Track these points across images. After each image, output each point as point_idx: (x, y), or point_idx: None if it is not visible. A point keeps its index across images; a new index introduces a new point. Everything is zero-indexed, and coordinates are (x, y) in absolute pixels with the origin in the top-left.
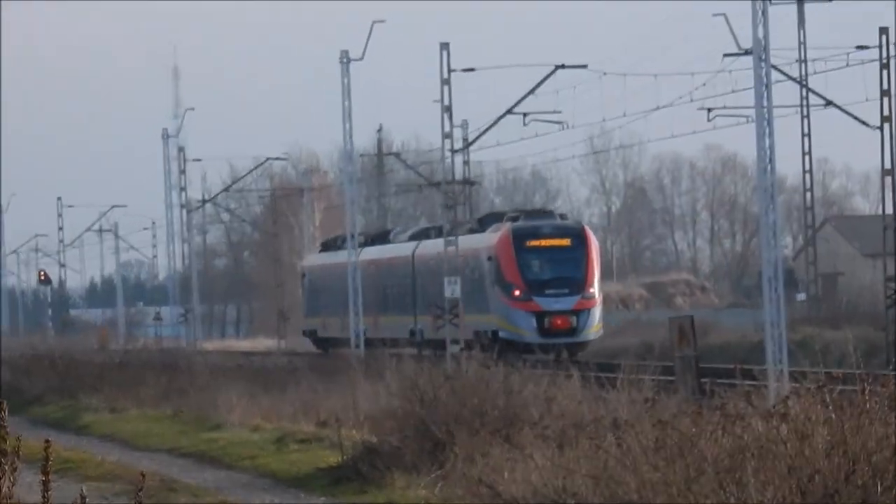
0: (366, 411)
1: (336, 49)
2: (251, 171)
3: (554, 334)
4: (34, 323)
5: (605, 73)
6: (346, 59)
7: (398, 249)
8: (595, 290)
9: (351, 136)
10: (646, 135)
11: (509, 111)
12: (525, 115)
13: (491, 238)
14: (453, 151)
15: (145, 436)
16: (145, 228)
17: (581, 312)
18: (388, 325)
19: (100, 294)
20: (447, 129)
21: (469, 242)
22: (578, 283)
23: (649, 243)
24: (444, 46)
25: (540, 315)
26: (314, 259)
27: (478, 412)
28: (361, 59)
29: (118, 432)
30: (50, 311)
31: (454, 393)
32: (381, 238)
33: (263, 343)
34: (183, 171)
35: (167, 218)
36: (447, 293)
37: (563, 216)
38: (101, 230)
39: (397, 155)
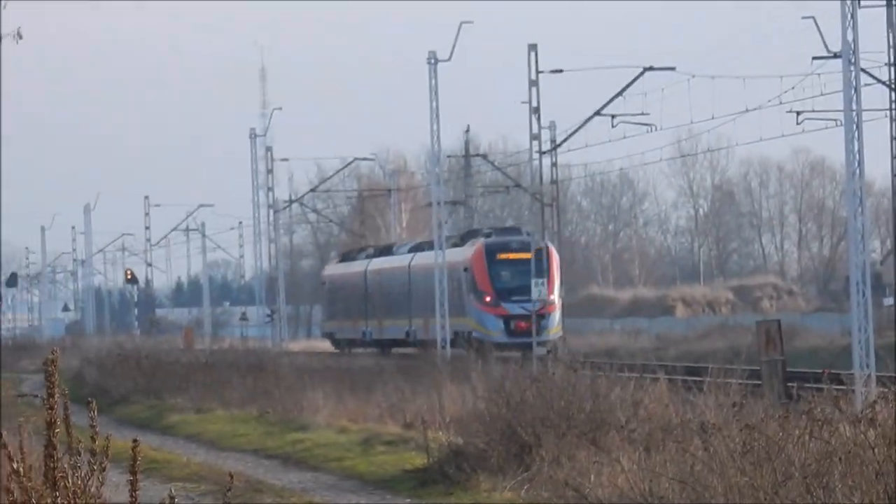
0: (452, 413)
1: (424, 50)
2: (338, 171)
3: (519, 335)
4: (120, 322)
5: (693, 76)
6: (433, 60)
7: (398, 260)
8: (555, 297)
9: (438, 137)
10: (734, 138)
11: (597, 113)
12: (613, 117)
13: (468, 251)
14: (541, 153)
15: (231, 436)
16: (232, 228)
17: (543, 316)
18: (388, 327)
19: (186, 294)
20: (535, 130)
21: (451, 255)
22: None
23: (736, 246)
24: (532, 48)
25: (507, 318)
26: (333, 268)
27: (564, 415)
28: (449, 60)
29: (204, 433)
30: (136, 311)
31: (541, 395)
32: (386, 251)
33: None
34: (270, 171)
35: (254, 218)
36: (534, 295)
37: (528, 233)
38: (187, 229)
39: (484, 156)
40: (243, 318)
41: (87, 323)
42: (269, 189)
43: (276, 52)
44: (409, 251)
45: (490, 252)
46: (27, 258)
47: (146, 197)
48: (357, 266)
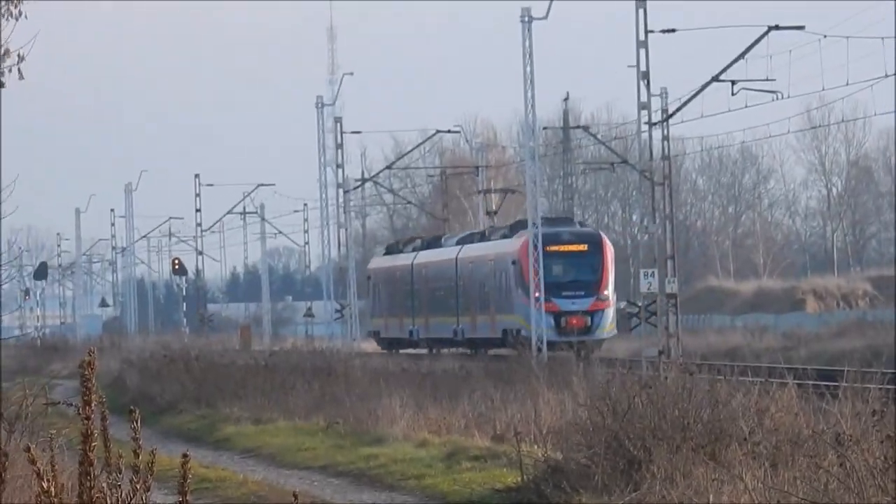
0: (549, 424)
1: (516, 7)
2: (418, 145)
3: (570, 333)
4: (167, 319)
5: (824, 36)
6: (527, 19)
7: (445, 253)
8: (609, 292)
9: (533, 106)
10: (872, 106)
11: (715, 78)
12: (733, 83)
13: (515, 243)
14: (651, 124)
15: (294, 451)
16: (296, 211)
17: (595, 313)
18: (435, 325)
19: (242, 286)
20: (643, 98)
21: (498, 248)
22: (593, 286)
23: (875, 231)
24: (641, 4)
25: (557, 315)
26: (379, 262)
27: (679, 426)
28: (545, 17)
29: (263, 446)
30: (184, 306)
31: (652, 403)
32: (434, 243)
33: None
34: (340, 146)
35: (321, 199)
36: (643, 287)
37: (582, 224)
38: (244, 213)
39: (586, 128)
40: (308, 314)
41: (128, 320)
42: (339, 166)
43: (347, 9)
44: (458, 243)
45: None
46: (59, 245)
47: (197, 175)
48: (403, 259)
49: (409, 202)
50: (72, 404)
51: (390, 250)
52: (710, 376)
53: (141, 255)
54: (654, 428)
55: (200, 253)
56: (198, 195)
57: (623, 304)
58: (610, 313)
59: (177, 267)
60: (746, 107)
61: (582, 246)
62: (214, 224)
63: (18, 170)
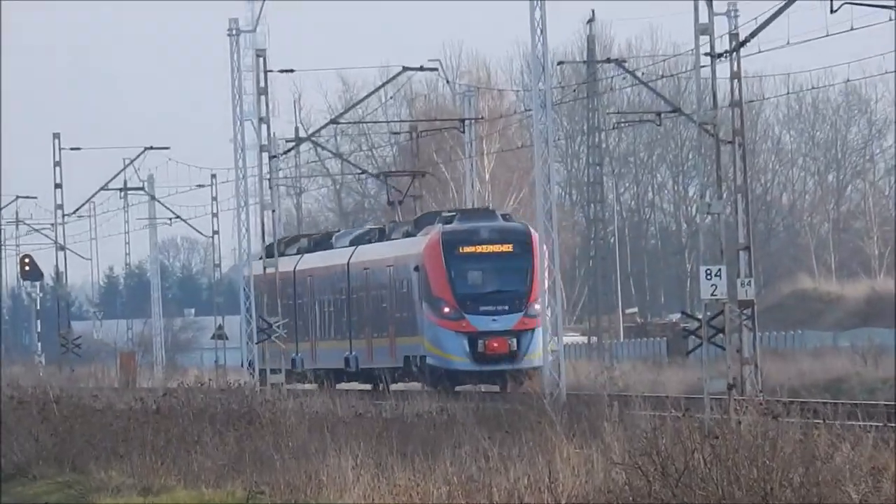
0: (571, 492)
1: None
2: (377, 89)
3: (490, 360)
4: (13, 344)
5: None
6: None
7: (334, 257)
8: (541, 305)
9: (543, 32)
10: None
11: None
12: None
13: (419, 244)
14: (714, 56)
15: None
16: (200, 186)
17: (523, 333)
18: (323, 352)
19: (123, 296)
20: (703, 18)
21: (399, 249)
22: (521, 299)
23: None
24: None
25: (473, 337)
26: (255, 269)
27: (759, 492)
28: None
29: None
30: (39, 325)
31: (719, 461)
32: (324, 242)
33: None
34: (263, 91)
35: (236, 168)
36: (704, 293)
37: (506, 216)
38: (125, 189)
39: (620, 63)
40: (220, 334)
41: None
42: (262, 120)
43: None
44: (351, 243)
45: (449, 244)
46: None
47: (56, 136)
48: (284, 265)
49: (364, 172)
50: None
51: (270, 253)
52: (804, 420)
53: None
54: (723, 496)
55: (62, 248)
56: (57, 164)
57: (676, 317)
58: (538, 334)
59: (27, 268)
60: (852, 29)
61: (505, 246)
62: (83, 206)
63: None
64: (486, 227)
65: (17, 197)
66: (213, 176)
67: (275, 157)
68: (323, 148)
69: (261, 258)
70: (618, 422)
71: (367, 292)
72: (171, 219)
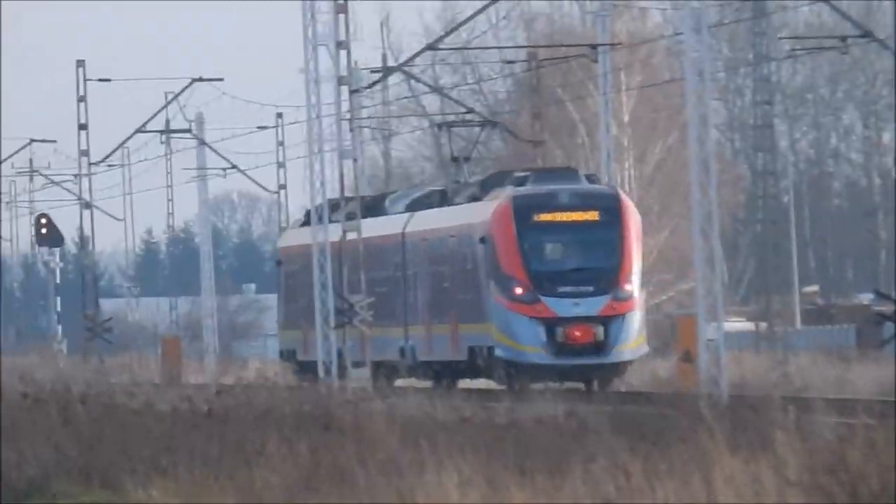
0: None
1: None
2: (486, 6)
3: (571, 352)
4: (27, 326)
5: None
6: None
7: (386, 225)
8: (634, 286)
9: None
10: None
11: None
12: None
13: (485, 210)
14: None
15: None
16: (263, 128)
17: (612, 320)
18: (375, 340)
19: (164, 267)
20: None
21: (462, 216)
22: (608, 278)
23: None
24: None
25: (551, 324)
26: (292, 238)
27: None
28: None
29: None
30: (59, 303)
31: None
32: (376, 207)
33: None
34: (343, 9)
35: (309, 107)
36: None
37: (591, 177)
38: (167, 131)
39: None
40: None
41: None
42: (341, 46)
43: None
44: (407, 208)
45: (521, 211)
46: None
47: (80, 63)
48: (333, 232)
49: (471, 110)
50: None
51: (309, 219)
52: None
53: None
54: None
55: (88, 205)
56: (82, 99)
57: (868, 298)
58: (636, 319)
59: (44, 231)
60: None
61: (590, 214)
62: (114, 152)
63: None
64: (566, 190)
65: (31, 141)
66: (279, 115)
67: (356, 91)
68: (417, 80)
69: (302, 224)
70: (794, 430)
71: (426, 269)
72: (225, 169)
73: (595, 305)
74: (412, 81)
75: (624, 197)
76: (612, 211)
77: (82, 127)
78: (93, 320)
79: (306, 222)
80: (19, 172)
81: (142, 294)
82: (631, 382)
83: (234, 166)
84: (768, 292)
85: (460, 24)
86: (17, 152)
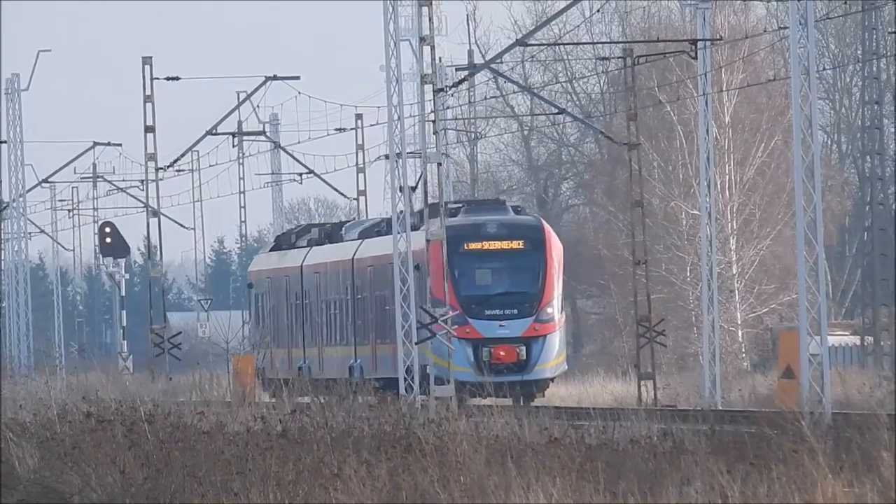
0: None
1: None
2: (574, 3)
3: (496, 370)
4: (90, 341)
5: None
6: None
7: (340, 251)
8: (555, 309)
9: None
10: None
11: None
12: None
13: (419, 239)
14: None
15: None
16: (341, 130)
17: (534, 340)
18: (329, 359)
19: (237, 278)
20: None
21: (402, 245)
22: (531, 301)
23: None
24: None
25: (478, 344)
26: (263, 262)
27: None
28: None
29: None
30: (124, 317)
31: None
32: (334, 233)
33: (604, 387)
34: (427, 2)
35: (390, 107)
36: None
37: (517, 209)
38: (239, 134)
39: None
40: None
41: (14, 344)
42: (424, 41)
43: None
44: (360, 235)
45: (453, 240)
46: None
47: (146, 61)
48: (292, 259)
49: (562, 110)
50: None
51: (280, 243)
52: None
53: (38, 219)
54: None
55: (156, 213)
56: (148, 99)
57: None
58: (556, 340)
59: (108, 241)
60: None
61: (515, 242)
62: (182, 156)
63: None
64: (493, 220)
65: (95, 144)
66: (359, 116)
67: (441, 90)
68: (506, 79)
69: (272, 249)
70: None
71: (371, 293)
72: (301, 174)
73: (519, 327)
74: (500, 80)
75: (547, 227)
76: (535, 240)
77: (149, 129)
78: (160, 335)
79: (275, 248)
80: (82, 178)
81: (212, 307)
82: (728, 400)
83: (310, 171)
84: (875, 305)
85: (552, 19)
86: (79, 156)
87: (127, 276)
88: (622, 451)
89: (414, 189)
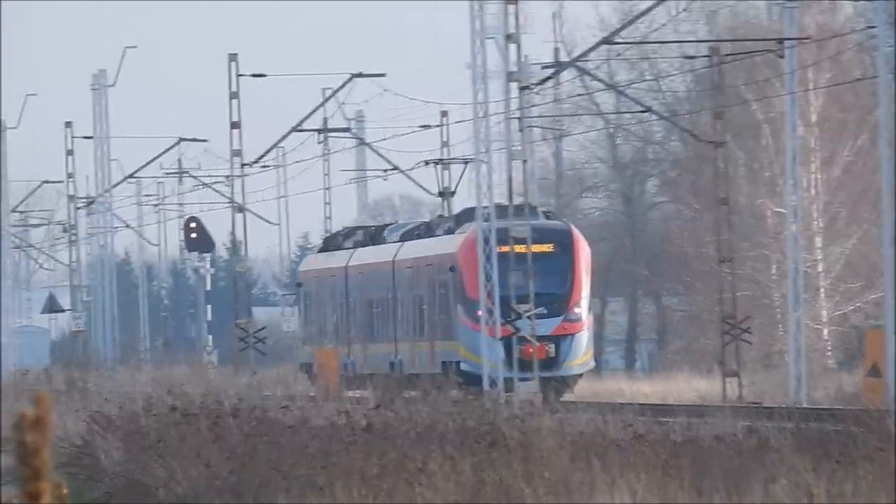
0: None
1: None
2: (661, 1)
3: (527, 366)
4: (176, 336)
5: None
6: None
7: (382, 253)
8: (582, 309)
9: None
10: None
11: None
12: None
13: (455, 242)
14: None
15: None
16: (426, 127)
17: (562, 339)
18: (373, 355)
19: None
20: None
21: (438, 247)
22: (561, 302)
23: None
24: None
25: (509, 342)
26: (312, 263)
27: None
28: None
29: None
30: (209, 312)
31: None
32: (377, 236)
33: (689, 385)
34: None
35: (475, 105)
36: None
37: (548, 213)
38: (324, 131)
39: None
40: None
41: (100, 338)
42: (510, 39)
43: None
44: (401, 238)
45: (487, 243)
46: None
47: (232, 58)
48: (337, 260)
49: (648, 109)
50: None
51: (327, 245)
52: None
53: (124, 214)
54: None
55: (241, 209)
56: (234, 96)
57: None
58: (584, 338)
59: (194, 236)
60: None
61: (545, 246)
62: (268, 152)
63: None
64: (524, 224)
65: (181, 139)
66: (444, 114)
67: (527, 87)
68: (592, 77)
69: (320, 250)
70: None
71: (410, 292)
72: (386, 170)
73: (548, 326)
74: (586, 78)
75: (576, 232)
76: (565, 244)
77: (235, 125)
78: (245, 329)
79: (323, 250)
80: (168, 173)
81: (297, 302)
82: (814, 397)
83: (395, 167)
84: None
85: (638, 17)
86: (165, 152)
87: (212, 270)
88: (707, 448)
89: (454, 193)
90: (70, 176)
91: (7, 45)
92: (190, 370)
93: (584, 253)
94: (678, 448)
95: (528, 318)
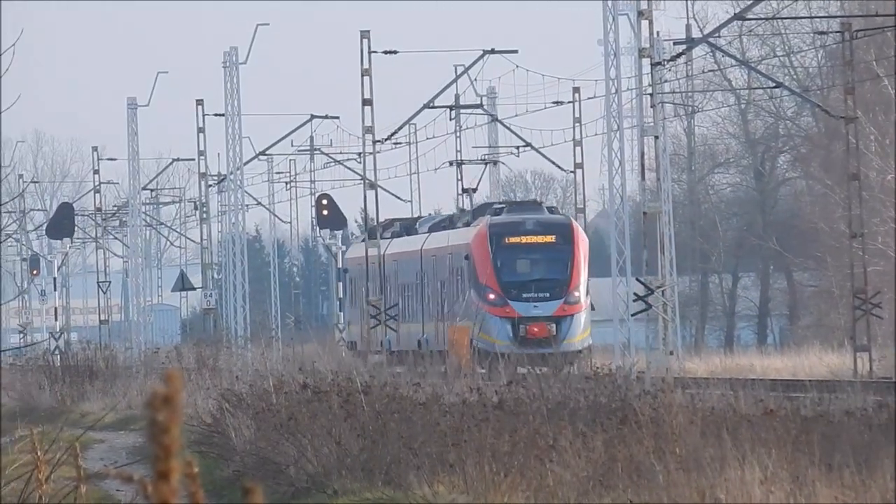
0: None
1: None
2: None
3: (532, 344)
4: (307, 313)
5: None
6: None
7: (413, 243)
8: (581, 293)
9: None
10: None
11: None
12: None
13: (470, 233)
14: None
15: None
16: (558, 103)
17: (563, 319)
18: (405, 334)
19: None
20: None
21: (456, 238)
22: (561, 286)
23: None
24: None
25: (516, 322)
26: (354, 251)
27: None
28: None
29: None
30: (341, 289)
31: None
32: (410, 228)
33: (819, 360)
34: None
35: (608, 81)
36: None
37: (552, 209)
38: (456, 108)
39: None
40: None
41: (231, 316)
42: (642, 15)
43: None
44: (429, 230)
45: (496, 235)
46: (96, 172)
47: (364, 34)
48: (377, 248)
49: (780, 84)
50: (131, 480)
51: (371, 235)
52: None
53: (255, 191)
54: None
55: (373, 185)
56: (365, 73)
57: None
58: (582, 318)
59: (325, 213)
60: None
61: (548, 237)
62: (400, 129)
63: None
64: (530, 219)
65: (312, 116)
66: (576, 90)
67: (659, 64)
68: (724, 53)
69: (364, 240)
70: None
71: (434, 278)
72: (518, 147)
73: (550, 308)
74: (718, 54)
75: (575, 224)
76: (565, 235)
77: (366, 102)
78: (377, 308)
79: (367, 239)
80: (299, 150)
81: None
82: None
83: (527, 144)
84: None
85: None
86: (297, 129)
87: (344, 248)
88: (837, 423)
89: (475, 190)
90: (201, 153)
91: (139, 25)
92: (321, 348)
93: (582, 243)
94: (808, 423)
95: (529, 300)
